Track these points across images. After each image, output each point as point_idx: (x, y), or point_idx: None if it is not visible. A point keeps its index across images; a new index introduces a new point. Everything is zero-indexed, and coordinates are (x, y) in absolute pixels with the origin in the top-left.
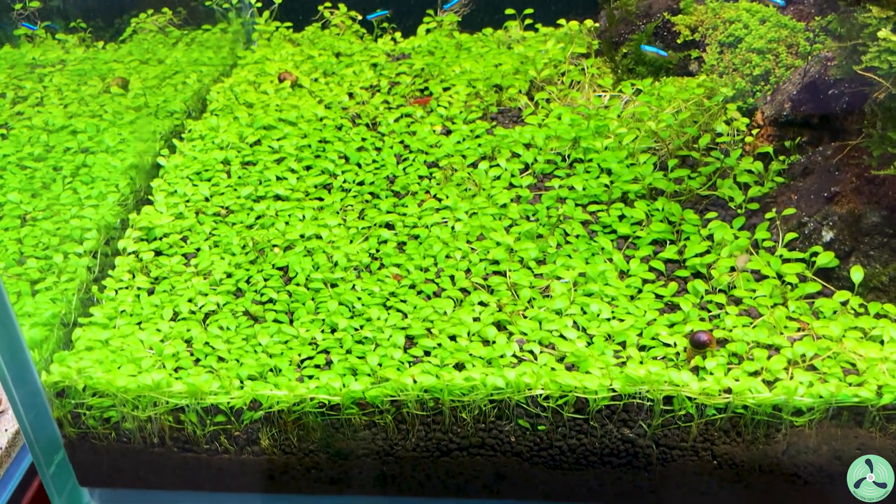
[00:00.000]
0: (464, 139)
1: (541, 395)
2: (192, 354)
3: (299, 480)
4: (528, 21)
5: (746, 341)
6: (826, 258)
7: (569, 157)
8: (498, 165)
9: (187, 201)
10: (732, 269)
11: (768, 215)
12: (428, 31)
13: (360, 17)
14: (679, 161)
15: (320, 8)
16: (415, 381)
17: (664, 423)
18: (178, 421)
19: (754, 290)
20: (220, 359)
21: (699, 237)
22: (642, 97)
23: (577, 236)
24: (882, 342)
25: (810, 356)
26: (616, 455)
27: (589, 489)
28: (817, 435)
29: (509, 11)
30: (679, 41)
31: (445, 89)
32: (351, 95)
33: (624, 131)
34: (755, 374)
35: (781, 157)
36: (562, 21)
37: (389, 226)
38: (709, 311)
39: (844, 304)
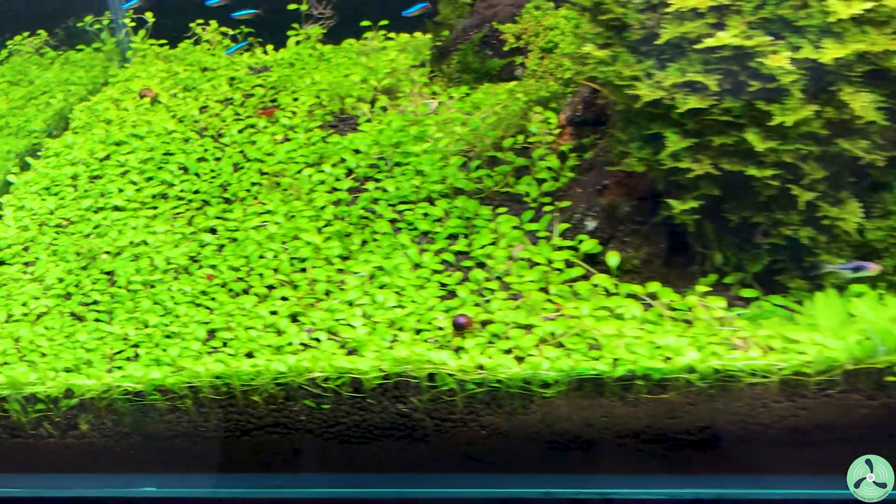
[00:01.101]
0: (299, 147)
1: (319, 377)
2: (18, 351)
3: (120, 462)
4: (382, 32)
5: (506, 322)
6: (590, 245)
7: (391, 161)
8: (322, 171)
9: (34, 215)
10: (510, 258)
11: (547, 208)
12: (298, 42)
13: (231, 32)
14: (485, 161)
15: (192, 25)
16: (206, 369)
17: (432, 398)
18: (3, 410)
19: (522, 276)
20: (43, 354)
21: (489, 230)
22: (457, 104)
23: (384, 233)
24: (624, 318)
25: (560, 334)
26: (397, 428)
27: (379, 461)
28: (567, 405)
29: (365, 23)
30: (505, 48)
31: (295, 100)
32: (203, 109)
33: (441, 136)
34: (508, 351)
35: (575, 155)
36: (418, 33)
37: (213, 230)
38: (483, 297)
39: (596, 286)
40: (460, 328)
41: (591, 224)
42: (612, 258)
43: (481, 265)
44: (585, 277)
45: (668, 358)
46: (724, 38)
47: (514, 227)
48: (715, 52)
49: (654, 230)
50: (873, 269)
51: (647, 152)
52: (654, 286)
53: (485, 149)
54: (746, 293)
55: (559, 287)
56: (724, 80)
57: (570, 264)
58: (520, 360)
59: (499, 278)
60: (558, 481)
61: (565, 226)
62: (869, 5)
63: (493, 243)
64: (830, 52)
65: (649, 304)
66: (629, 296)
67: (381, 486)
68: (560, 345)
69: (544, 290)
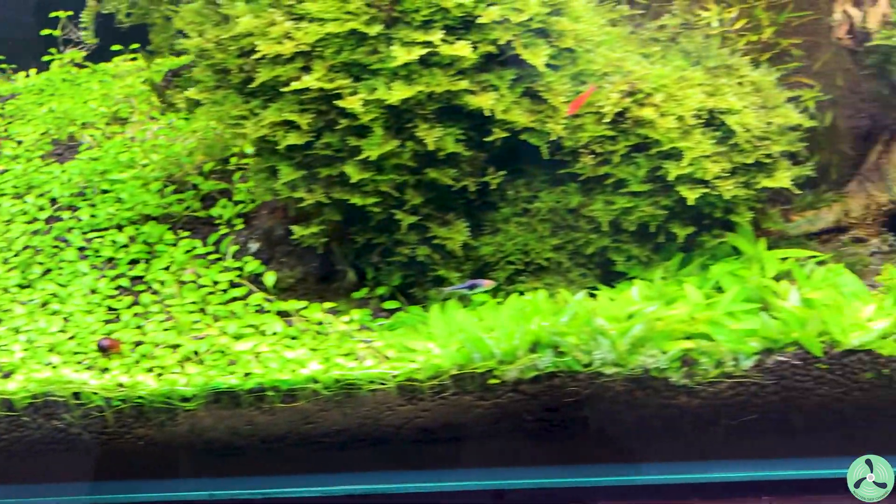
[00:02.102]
0: (13, 178)
1: None
2: None
3: None
4: (133, 56)
5: (156, 343)
6: (253, 265)
7: (97, 189)
8: (25, 202)
9: None
10: (179, 281)
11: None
12: (62, 65)
13: None
14: (186, 186)
15: None
16: None
17: (83, 414)
18: None
19: (185, 298)
20: None
21: (168, 255)
22: (163, 131)
23: (70, 261)
24: (265, 334)
25: (203, 351)
26: (58, 442)
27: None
28: (210, 416)
29: (116, 47)
30: None
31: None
32: None
33: (146, 162)
34: (151, 370)
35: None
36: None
37: None
38: (146, 318)
39: (247, 304)
40: (105, 350)
41: (254, 246)
42: (269, 278)
43: (153, 290)
44: (247, 297)
45: (296, 370)
46: (309, 81)
47: (188, 252)
48: (305, 93)
49: (307, 251)
50: (487, 284)
51: (270, 183)
52: (303, 303)
53: (185, 174)
54: (390, 305)
55: (217, 307)
56: (318, 118)
57: (235, 284)
58: (160, 377)
59: (163, 301)
60: (219, 484)
61: (235, 248)
62: (424, 51)
63: (166, 268)
64: (398, 93)
65: (292, 320)
66: (279, 313)
67: None
68: (202, 361)
69: (203, 310)
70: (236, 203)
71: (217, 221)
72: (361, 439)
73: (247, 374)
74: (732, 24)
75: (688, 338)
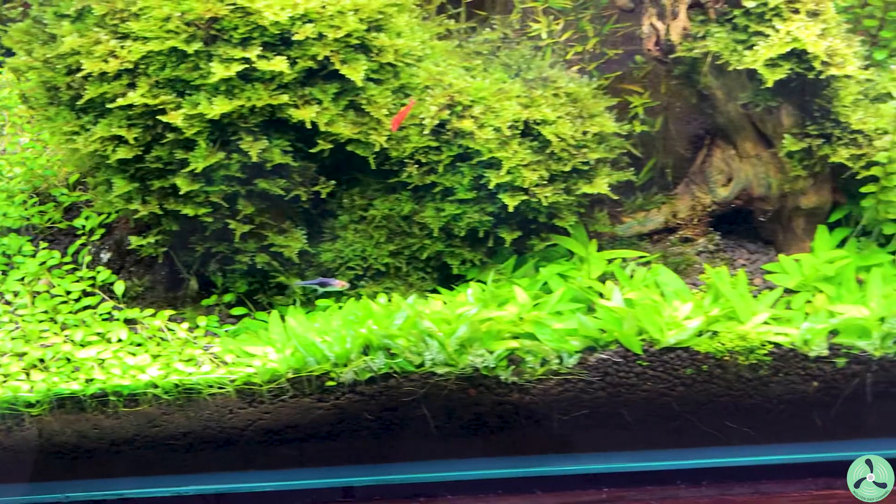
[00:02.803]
0: None
1: None
2: None
3: None
4: None
5: (3, 351)
6: (105, 275)
7: None
8: None
9: None
10: (33, 291)
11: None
12: None
13: None
14: (47, 198)
15: None
16: None
17: None
18: None
19: (36, 307)
20: None
21: (25, 266)
22: (30, 143)
23: None
24: (111, 342)
25: (49, 359)
26: None
27: None
28: (57, 420)
29: None
30: None
31: None
32: None
33: (12, 174)
34: None
35: None
36: None
37: None
38: None
39: (96, 313)
40: None
41: (105, 256)
42: (119, 287)
43: (6, 301)
44: (98, 306)
45: (136, 375)
46: (134, 97)
47: (42, 263)
48: (131, 109)
49: (155, 260)
50: (339, 285)
51: (108, 196)
52: (150, 311)
53: (51, 186)
54: (237, 311)
55: (67, 316)
56: (145, 132)
57: (88, 294)
58: (5, 383)
59: (14, 311)
60: (72, 486)
61: (89, 258)
62: (242, 67)
63: (21, 279)
64: (219, 108)
65: (138, 327)
66: (127, 320)
67: None
68: (47, 368)
69: (53, 319)
70: (99, 214)
71: (80, 232)
72: (208, 441)
73: (89, 381)
74: (560, 36)
75: (515, 337)
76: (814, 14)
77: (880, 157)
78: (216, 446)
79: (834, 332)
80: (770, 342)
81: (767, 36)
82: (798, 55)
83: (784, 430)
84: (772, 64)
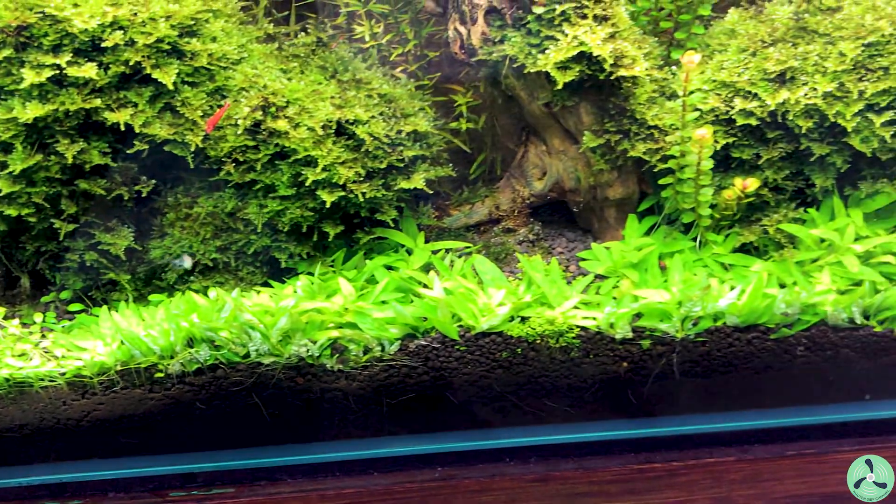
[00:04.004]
0: None
1: None
2: None
3: None
4: None
5: None
6: None
7: None
8: None
9: None
10: None
11: None
12: None
13: None
14: None
15: None
16: None
17: None
18: None
19: None
20: None
21: None
22: None
23: None
24: None
25: None
26: None
27: None
28: None
29: None
30: None
31: None
32: None
33: None
34: None
35: None
36: None
37: None
38: None
39: None
40: None
41: None
42: None
43: None
44: None
45: None
46: None
47: None
48: None
49: None
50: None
51: None
52: None
53: None
54: (74, 308)
55: None
56: None
57: None
58: None
59: None
60: None
61: None
62: (52, 73)
63: None
64: (32, 112)
65: None
66: None
67: None
68: None
69: None
70: None
71: None
72: (45, 432)
73: None
74: (382, 38)
75: (339, 327)
76: (602, 19)
77: (674, 150)
78: (54, 437)
79: (638, 315)
80: (578, 326)
81: (557, 40)
82: (588, 57)
83: (601, 408)
84: (562, 66)
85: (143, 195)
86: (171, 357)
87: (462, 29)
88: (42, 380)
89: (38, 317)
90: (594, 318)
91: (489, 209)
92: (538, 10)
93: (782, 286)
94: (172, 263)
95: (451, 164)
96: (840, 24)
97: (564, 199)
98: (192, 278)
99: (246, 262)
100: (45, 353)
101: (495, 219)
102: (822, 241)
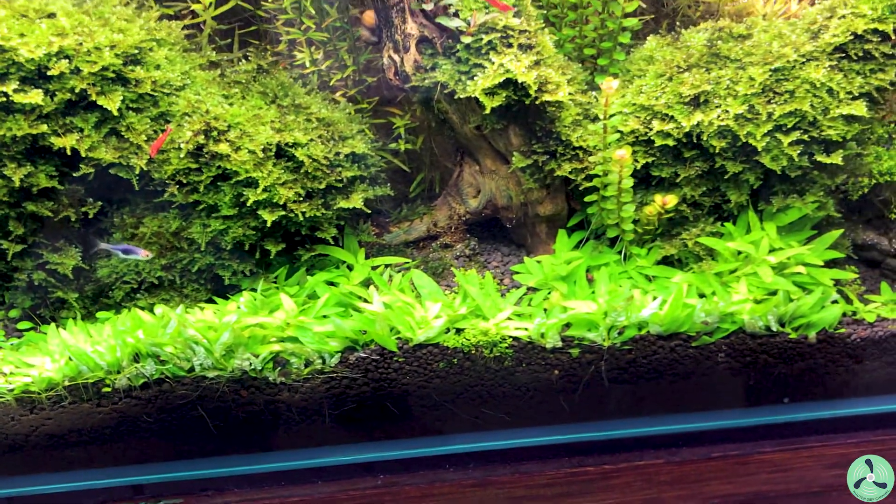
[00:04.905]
0: None
1: None
2: None
3: None
4: None
5: None
6: None
7: None
8: None
9: None
10: None
11: None
12: None
13: None
14: None
15: None
16: None
17: None
18: None
19: None
20: None
21: None
22: None
23: None
24: None
25: None
26: None
27: None
28: None
29: None
30: None
31: None
32: None
33: None
34: None
35: None
36: None
37: None
38: None
39: None
40: None
41: None
42: None
43: None
44: None
45: None
46: None
47: None
48: None
49: None
50: (143, 254)
51: None
52: None
53: None
54: (23, 325)
55: None
56: None
57: None
58: None
59: None
60: None
61: None
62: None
63: None
64: None
65: None
66: None
67: None
68: None
69: None
70: None
71: None
72: None
73: None
74: (322, 64)
75: (281, 341)
76: (527, 47)
77: (598, 169)
78: (2, 452)
79: (568, 325)
80: (510, 336)
81: (485, 68)
82: (514, 84)
83: (536, 414)
84: (490, 92)
85: (90, 216)
86: (118, 372)
87: (396, 57)
88: None
89: None
90: (526, 329)
91: (427, 226)
92: (466, 39)
93: (702, 296)
94: (126, 250)
95: (389, 184)
96: (750, 51)
97: (498, 215)
98: (137, 296)
99: (190, 280)
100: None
101: (433, 235)
102: (739, 253)
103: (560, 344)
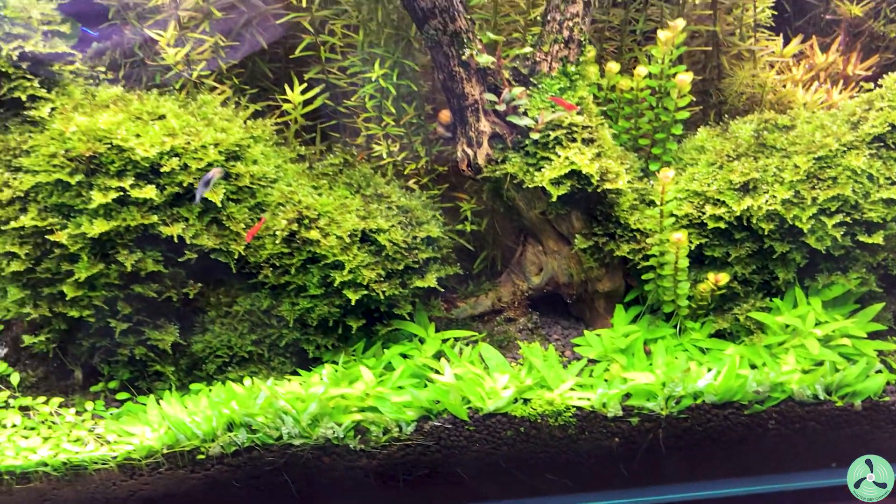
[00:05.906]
0: None
1: None
2: None
3: None
4: None
5: None
6: (2, 367)
7: None
8: None
9: None
10: None
11: None
12: None
13: None
14: None
15: None
16: None
17: None
18: None
19: None
20: None
21: None
22: None
23: None
24: (6, 427)
25: None
26: None
27: None
28: None
29: None
30: None
31: None
32: None
33: None
34: None
35: None
36: None
37: None
38: None
39: None
40: None
41: (2, 351)
42: (14, 378)
43: None
44: None
45: (27, 456)
46: (24, 220)
47: None
48: (22, 230)
49: (48, 353)
50: (214, 172)
51: (3, 302)
52: (42, 398)
53: None
54: (121, 396)
55: None
56: (35, 249)
57: None
58: None
59: None
60: None
61: None
62: (117, 195)
63: None
64: (99, 228)
65: (31, 413)
66: (22, 408)
67: None
68: None
69: None
70: None
71: None
72: None
73: None
74: (398, 156)
75: (361, 411)
76: (590, 141)
77: (654, 250)
78: None
79: (628, 395)
80: (574, 406)
81: (551, 160)
82: (578, 174)
83: (595, 480)
84: (556, 182)
85: (190, 296)
86: (213, 440)
87: (469, 150)
88: (96, 463)
89: (88, 405)
90: (589, 399)
91: (492, 301)
92: (535, 135)
93: (753, 367)
94: (206, 181)
95: (457, 263)
96: (794, 140)
97: (559, 291)
98: (229, 369)
99: (277, 354)
100: (98, 438)
101: (497, 310)
102: (787, 326)
103: (621, 413)
